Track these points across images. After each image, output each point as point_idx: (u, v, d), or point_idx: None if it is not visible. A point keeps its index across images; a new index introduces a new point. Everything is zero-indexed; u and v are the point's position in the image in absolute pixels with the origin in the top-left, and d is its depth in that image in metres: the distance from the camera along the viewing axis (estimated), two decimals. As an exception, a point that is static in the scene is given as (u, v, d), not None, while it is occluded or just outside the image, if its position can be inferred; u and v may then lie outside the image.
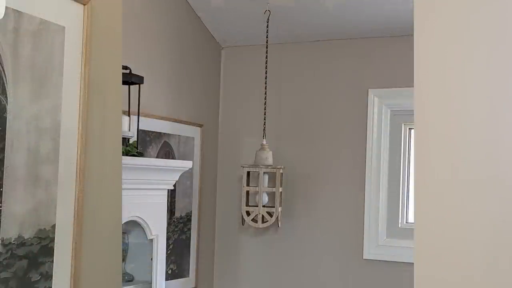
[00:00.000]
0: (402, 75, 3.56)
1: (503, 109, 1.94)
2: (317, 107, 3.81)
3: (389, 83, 3.65)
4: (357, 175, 3.70)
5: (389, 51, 3.66)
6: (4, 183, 1.57)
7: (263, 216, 3.55)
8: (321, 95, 3.81)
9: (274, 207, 3.54)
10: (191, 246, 3.74)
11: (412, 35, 2.00)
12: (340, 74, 3.77)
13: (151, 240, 2.95)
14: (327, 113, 3.79)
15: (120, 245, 2.10)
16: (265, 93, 3.53)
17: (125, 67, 2.77)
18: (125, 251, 2.91)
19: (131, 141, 2.90)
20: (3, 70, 1.57)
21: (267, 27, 3.51)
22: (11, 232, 1.59)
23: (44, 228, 1.71)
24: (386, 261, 3.63)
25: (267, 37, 3.53)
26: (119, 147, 2.12)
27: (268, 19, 3.50)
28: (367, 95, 3.69)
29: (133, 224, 2.89)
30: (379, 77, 3.68)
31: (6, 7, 1.43)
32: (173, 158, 3.53)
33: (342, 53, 3.79)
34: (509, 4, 1.95)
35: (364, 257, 3.68)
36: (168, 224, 3.41)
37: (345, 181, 3.73)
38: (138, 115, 2.99)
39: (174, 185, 3.15)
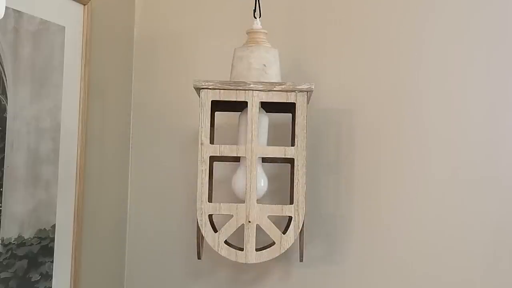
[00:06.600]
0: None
1: (503, 109, 1.95)
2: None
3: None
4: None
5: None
6: (4, 183, 1.57)
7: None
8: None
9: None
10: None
11: (412, 35, 2.00)
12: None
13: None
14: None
15: (121, 245, 2.10)
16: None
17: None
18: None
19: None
20: (3, 70, 1.57)
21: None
22: (11, 232, 1.59)
23: (44, 228, 1.70)
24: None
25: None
26: (120, 147, 2.12)
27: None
28: (367, 95, 3.68)
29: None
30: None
31: (6, 7, 1.43)
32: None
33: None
34: (509, 4, 1.95)
35: (364, 257, 3.67)
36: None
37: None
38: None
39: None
